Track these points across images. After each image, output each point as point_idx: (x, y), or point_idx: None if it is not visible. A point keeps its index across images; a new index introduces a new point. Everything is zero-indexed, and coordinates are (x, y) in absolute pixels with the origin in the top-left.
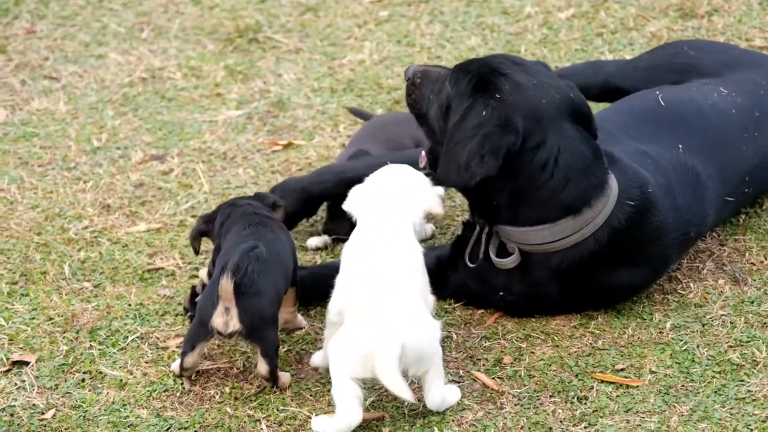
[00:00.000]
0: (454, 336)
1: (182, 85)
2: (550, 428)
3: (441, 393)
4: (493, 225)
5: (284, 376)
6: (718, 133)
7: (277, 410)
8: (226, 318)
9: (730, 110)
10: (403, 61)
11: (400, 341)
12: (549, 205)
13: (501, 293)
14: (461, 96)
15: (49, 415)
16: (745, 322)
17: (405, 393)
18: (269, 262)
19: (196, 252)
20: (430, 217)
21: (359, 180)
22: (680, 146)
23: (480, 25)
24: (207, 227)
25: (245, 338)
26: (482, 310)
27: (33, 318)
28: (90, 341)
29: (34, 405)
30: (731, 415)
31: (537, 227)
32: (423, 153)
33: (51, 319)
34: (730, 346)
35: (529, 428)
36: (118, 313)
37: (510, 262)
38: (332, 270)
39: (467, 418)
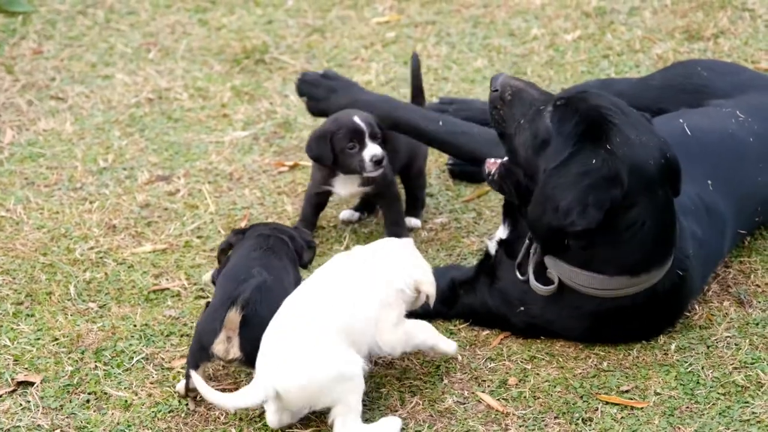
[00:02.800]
0: (459, 357)
1: (189, 105)
2: None
3: (344, 428)
4: (547, 253)
5: None
6: (738, 165)
7: (282, 431)
8: (227, 346)
9: (747, 139)
10: (409, 82)
11: (267, 387)
12: (614, 265)
13: (521, 308)
14: (566, 138)
15: None
16: (750, 344)
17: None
18: (272, 291)
19: (220, 263)
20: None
21: (404, 124)
22: (709, 182)
23: (486, 46)
24: (237, 239)
25: (244, 364)
26: (487, 331)
27: (38, 338)
28: (95, 362)
29: (38, 426)
30: None
31: (591, 273)
32: (492, 161)
33: (56, 339)
34: (735, 368)
35: None
36: (123, 334)
37: (546, 291)
38: None
39: None
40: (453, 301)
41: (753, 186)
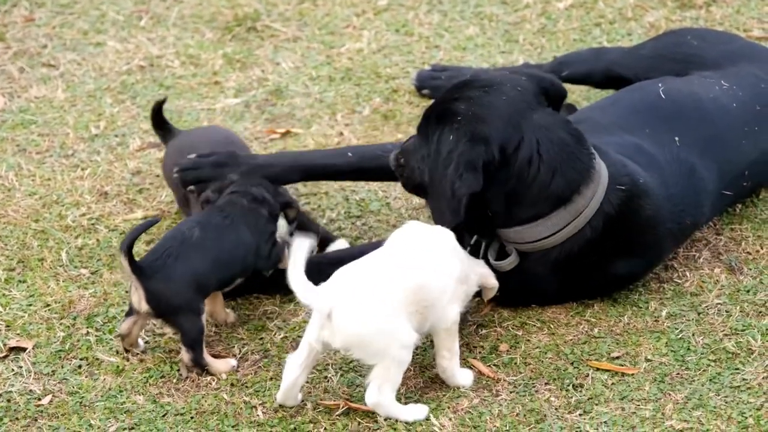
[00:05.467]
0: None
1: (180, 73)
2: (545, 415)
3: (379, 395)
4: (493, 233)
5: (220, 364)
6: (718, 127)
7: (273, 397)
8: (137, 296)
9: (730, 104)
10: (401, 50)
11: (331, 308)
12: (541, 200)
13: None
14: (428, 140)
15: (45, 401)
16: (741, 311)
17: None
18: (198, 248)
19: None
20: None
21: (315, 167)
22: (676, 139)
23: (479, 14)
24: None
25: (157, 318)
26: (478, 298)
27: (30, 304)
28: (87, 328)
29: (30, 391)
30: (726, 402)
31: (531, 224)
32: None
33: (48, 305)
34: (726, 335)
35: (525, 415)
36: (115, 300)
37: (507, 264)
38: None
39: (463, 405)
40: None
41: (737, 148)
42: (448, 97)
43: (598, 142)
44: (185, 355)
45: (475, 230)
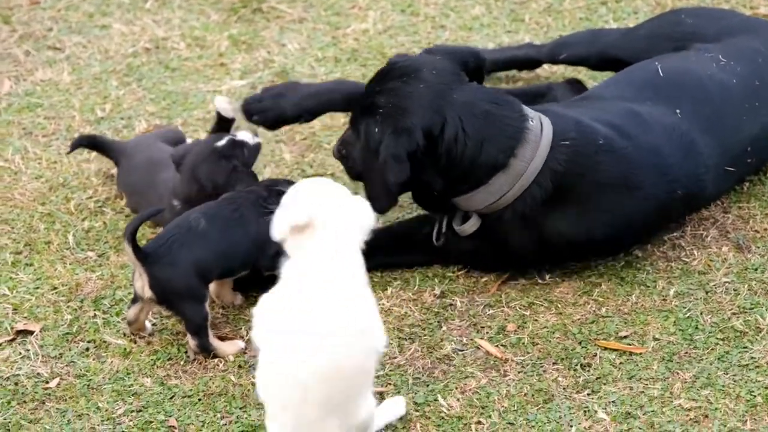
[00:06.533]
0: (458, 304)
1: (186, 55)
2: (553, 395)
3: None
4: (447, 206)
5: (227, 346)
6: (718, 103)
7: None
8: (141, 282)
9: (730, 80)
10: (407, 30)
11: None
12: (476, 171)
13: (469, 258)
14: (359, 133)
15: (53, 383)
16: (749, 289)
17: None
18: (202, 237)
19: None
20: None
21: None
22: (678, 111)
23: None
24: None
25: (161, 305)
26: (486, 278)
27: (37, 287)
28: (94, 310)
29: (38, 374)
30: (734, 381)
31: (473, 192)
32: None
33: (55, 288)
34: (734, 313)
35: (533, 395)
36: (122, 282)
37: (469, 226)
38: None
39: (471, 386)
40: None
41: (738, 125)
42: (372, 90)
43: (582, 109)
44: (191, 342)
45: (432, 208)
